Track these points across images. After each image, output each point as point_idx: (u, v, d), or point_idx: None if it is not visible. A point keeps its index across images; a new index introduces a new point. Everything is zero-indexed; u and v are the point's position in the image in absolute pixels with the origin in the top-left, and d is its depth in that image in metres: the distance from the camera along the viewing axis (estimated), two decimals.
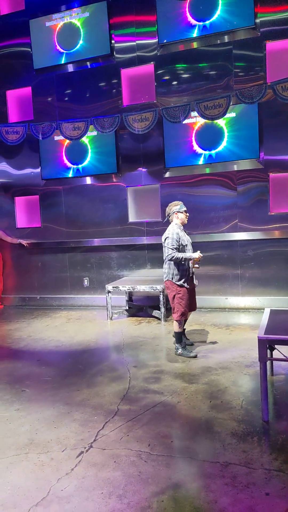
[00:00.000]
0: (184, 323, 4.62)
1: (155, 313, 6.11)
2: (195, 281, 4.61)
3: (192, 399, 3.39)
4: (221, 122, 6.14)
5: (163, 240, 4.53)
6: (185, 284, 4.42)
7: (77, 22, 6.79)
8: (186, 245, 4.50)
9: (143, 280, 6.30)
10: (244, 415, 3.09)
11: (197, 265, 4.35)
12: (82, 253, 7.23)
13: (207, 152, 6.28)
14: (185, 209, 4.62)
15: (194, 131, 6.33)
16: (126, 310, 6.53)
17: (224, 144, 6.18)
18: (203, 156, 6.31)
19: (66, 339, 5.38)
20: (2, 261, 7.63)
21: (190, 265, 4.44)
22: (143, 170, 6.76)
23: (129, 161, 6.80)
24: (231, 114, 6.06)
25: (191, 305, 4.60)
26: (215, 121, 6.03)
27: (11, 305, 7.74)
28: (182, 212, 4.60)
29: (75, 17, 6.80)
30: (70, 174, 7.12)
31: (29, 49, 7.19)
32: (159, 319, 6.01)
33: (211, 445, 2.72)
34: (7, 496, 2.31)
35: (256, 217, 6.22)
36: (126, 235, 6.89)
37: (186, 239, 4.54)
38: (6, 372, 4.28)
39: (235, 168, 6.25)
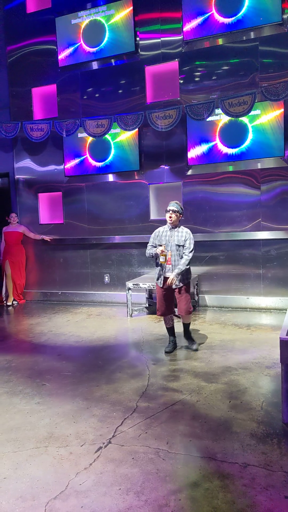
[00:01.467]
0: (168, 323, 4.66)
1: (175, 311, 6.09)
2: (174, 282, 4.33)
3: (211, 399, 3.37)
4: (245, 120, 6.05)
5: None
6: (158, 282, 4.49)
7: (102, 20, 6.81)
8: (163, 245, 4.35)
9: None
10: (264, 416, 3.05)
11: (162, 259, 4.30)
12: (103, 250, 7.28)
13: (230, 150, 6.20)
14: (168, 208, 4.42)
15: (218, 129, 6.26)
16: (146, 307, 6.53)
17: (248, 142, 6.09)
18: (226, 153, 6.24)
19: (86, 334, 5.43)
20: (25, 256, 7.76)
21: (161, 264, 4.40)
22: (166, 167, 6.73)
23: (152, 159, 6.79)
24: (256, 112, 5.96)
25: (168, 307, 4.53)
26: (240, 118, 5.94)
27: (33, 300, 7.87)
28: (166, 212, 4.48)
29: (101, 15, 6.82)
30: (93, 171, 7.16)
31: (55, 47, 7.26)
32: (179, 317, 5.98)
33: (230, 445, 2.69)
34: (26, 488, 2.35)
35: (280, 216, 6.11)
36: (147, 233, 6.87)
37: (166, 239, 4.41)
38: (27, 366, 4.36)
39: (259, 166, 6.15)
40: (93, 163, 7.13)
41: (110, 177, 7.14)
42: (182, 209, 4.53)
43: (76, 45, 7.06)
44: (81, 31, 6.99)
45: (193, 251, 4.42)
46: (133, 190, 6.97)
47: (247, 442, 2.71)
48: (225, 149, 6.23)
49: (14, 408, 3.37)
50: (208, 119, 6.05)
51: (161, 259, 4.31)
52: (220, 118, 6.21)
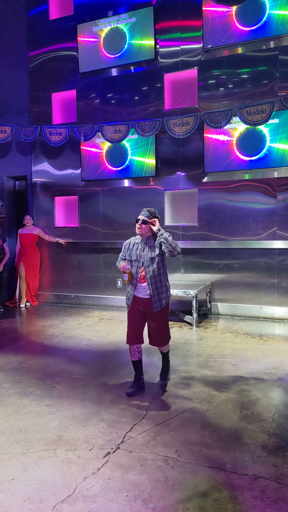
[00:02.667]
0: (135, 355, 3.72)
1: (187, 318, 6.06)
2: (153, 304, 3.57)
3: (222, 408, 3.33)
4: (263, 128, 6.02)
5: None
6: (128, 303, 3.72)
7: (123, 27, 6.89)
8: (135, 260, 3.64)
9: (176, 284, 6.26)
10: (276, 428, 2.99)
11: (125, 278, 3.62)
12: (117, 254, 7.21)
13: (247, 158, 6.17)
14: (137, 217, 3.64)
15: (235, 137, 6.24)
16: None
17: (265, 150, 6.05)
18: (243, 161, 6.21)
19: (97, 338, 5.44)
20: (39, 258, 7.83)
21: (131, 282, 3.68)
22: (182, 174, 6.74)
23: (168, 165, 6.80)
24: (273, 120, 5.93)
25: (139, 334, 3.67)
26: (257, 127, 5.92)
27: (46, 301, 7.92)
28: (136, 221, 3.66)
29: (122, 22, 6.90)
30: (109, 176, 7.20)
31: (76, 53, 7.36)
32: (191, 324, 5.95)
33: (240, 456, 2.65)
34: (34, 490, 2.35)
35: None
36: None
37: (138, 254, 3.64)
38: (38, 367, 4.38)
39: (276, 175, 6.10)
40: (110, 168, 7.17)
41: (126, 182, 7.18)
42: (157, 218, 3.63)
43: (96, 52, 7.14)
44: (102, 38, 7.08)
45: (176, 244, 3.54)
46: (149, 195, 6.98)
47: (257, 454, 2.67)
48: (242, 157, 6.21)
49: (24, 409, 3.38)
50: (225, 127, 6.04)
51: (125, 277, 3.64)
52: (238, 126, 6.19)
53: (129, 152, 6.99)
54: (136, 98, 6.99)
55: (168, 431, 2.99)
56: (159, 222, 3.62)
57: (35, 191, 7.99)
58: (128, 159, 7.00)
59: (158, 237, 3.56)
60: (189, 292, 5.80)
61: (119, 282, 7.29)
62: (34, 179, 7.97)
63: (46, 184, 7.89)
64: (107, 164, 7.19)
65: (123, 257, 3.79)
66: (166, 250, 3.50)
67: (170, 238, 3.50)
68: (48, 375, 4.13)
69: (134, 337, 3.67)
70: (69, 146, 7.37)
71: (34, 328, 6.12)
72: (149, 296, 3.59)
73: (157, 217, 3.64)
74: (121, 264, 3.63)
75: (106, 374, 4.16)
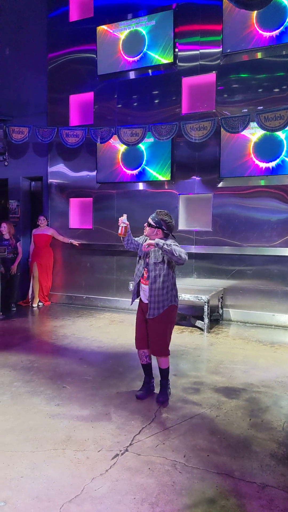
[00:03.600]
0: (142, 358, 3.69)
1: (198, 323, 6.04)
2: (149, 246, 3.39)
3: (231, 415, 3.31)
4: (280, 134, 5.98)
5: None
6: (132, 297, 3.74)
7: (143, 30, 6.93)
8: (142, 256, 3.61)
9: (188, 289, 6.25)
10: (285, 437, 2.96)
11: (119, 231, 3.55)
12: (129, 257, 7.31)
13: (264, 164, 6.14)
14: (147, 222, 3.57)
15: (252, 142, 6.21)
16: None
17: (282, 156, 6.01)
18: (259, 167, 6.17)
19: (108, 340, 5.45)
20: (53, 259, 7.89)
21: (138, 283, 3.62)
22: (197, 178, 6.73)
23: (183, 169, 6.80)
24: None
25: (143, 339, 3.60)
26: (275, 133, 5.88)
27: (57, 302, 7.98)
28: None
29: (141, 26, 6.94)
30: (124, 179, 7.23)
31: (94, 56, 7.42)
32: (202, 329, 5.93)
33: (248, 464, 2.63)
34: (42, 489, 2.37)
35: None
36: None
37: (143, 255, 3.60)
38: (49, 367, 4.41)
39: None
40: (125, 171, 7.21)
41: (141, 186, 7.20)
42: (164, 221, 3.48)
43: (115, 55, 7.20)
44: (121, 41, 7.13)
45: (181, 252, 3.30)
46: (163, 199, 6.99)
47: (266, 462, 2.65)
48: (258, 163, 6.17)
49: (34, 408, 3.41)
50: (242, 132, 6.02)
51: (119, 230, 3.56)
52: (255, 132, 6.16)
53: (145, 155, 7.01)
54: (153, 101, 7.02)
55: (176, 435, 2.98)
56: (163, 231, 3.46)
57: (51, 192, 8.06)
58: (144, 163, 7.03)
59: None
60: (201, 297, 5.78)
61: (131, 285, 7.30)
62: (50, 180, 8.05)
63: (61, 185, 7.96)
64: (122, 167, 7.22)
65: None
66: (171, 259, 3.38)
67: (172, 247, 3.26)
68: (58, 375, 4.16)
69: (139, 341, 3.64)
70: (85, 148, 7.42)
71: (45, 328, 6.17)
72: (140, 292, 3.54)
73: (165, 221, 3.47)
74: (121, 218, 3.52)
75: (116, 376, 4.17)
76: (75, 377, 4.13)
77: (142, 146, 6.95)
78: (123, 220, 3.53)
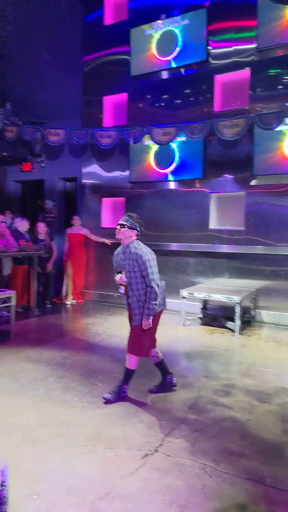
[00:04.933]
0: (155, 361, 3.79)
1: (230, 324, 5.97)
2: (133, 317, 3.50)
3: (263, 419, 3.26)
4: None
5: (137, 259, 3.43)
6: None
7: (176, 30, 6.90)
8: (121, 272, 3.58)
9: (220, 289, 6.18)
10: None
11: (121, 291, 3.57)
12: (160, 257, 7.22)
13: None
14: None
15: (287, 139, 6.06)
16: (199, 318, 6.47)
17: None
18: None
19: None
20: (86, 258, 8.03)
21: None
22: (229, 177, 6.64)
23: (216, 167, 6.73)
24: None
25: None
26: None
27: (90, 300, 8.11)
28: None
29: (174, 25, 6.92)
30: (156, 178, 7.25)
31: (128, 57, 7.47)
32: (233, 331, 5.86)
33: (281, 471, 2.58)
34: (73, 483, 2.43)
35: None
36: (205, 242, 6.83)
37: (119, 263, 3.61)
38: (81, 364, 4.50)
39: None
40: (157, 170, 7.22)
41: (172, 185, 7.19)
42: (136, 223, 3.51)
43: (148, 55, 7.21)
44: (154, 41, 7.13)
45: (154, 279, 3.35)
46: (194, 198, 6.95)
47: None
48: None
49: (66, 404, 3.49)
50: (277, 129, 5.88)
51: (120, 290, 3.57)
52: None
53: (177, 154, 6.99)
54: (186, 100, 6.98)
55: (206, 438, 2.97)
56: (137, 233, 3.49)
57: (84, 192, 8.20)
58: (176, 161, 7.01)
59: (131, 249, 3.43)
60: (232, 298, 5.70)
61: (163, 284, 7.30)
62: (84, 181, 8.18)
63: (94, 186, 8.07)
64: (154, 166, 7.24)
65: (115, 269, 3.65)
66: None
67: (152, 306, 3.36)
68: (90, 372, 4.23)
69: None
70: (118, 148, 7.49)
71: (78, 325, 6.29)
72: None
73: (139, 223, 3.53)
74: (117, 277, 3.54)
75: (146, 376, 4.19)
76: (106, 374, 4.19)
77: (174, 145, 6.94)
78: (123, 278, 3.50)
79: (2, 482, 1.50)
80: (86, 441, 2.90)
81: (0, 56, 9.26)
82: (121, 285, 3.53)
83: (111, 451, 2.79)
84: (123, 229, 3.48)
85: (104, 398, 3.51)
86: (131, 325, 3.59)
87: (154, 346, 3.67)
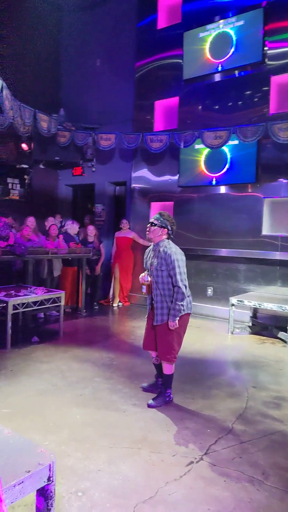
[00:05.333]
0: (156, 362, 3.77)
1: (282, 335, 5.73)
2: (155, 317, 3.49)
3: None
4: None
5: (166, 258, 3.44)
6: (148, 307, 3.76)
7: (231, 31, 6.81)
8: (147, 268, 3.65)
9: (271, 298, 5.97)
10: None
11: (143, 290, 3.60)
12: (208, 262, 7.21)
13: None
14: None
15: None
16: (249, 326, 6.28)
17: None
18: None
19: (184, 345, 5.39)
20: (133, 261, 8.09)
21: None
22: (284, 181, 6.41)
23: (270, 171, 6.53)
24: None
25: (150, 342, 3.63)
26: None
27: (136, 303, 8.15)
28: None
29: (229, 26, 6.83)
30: (206, 183, 7.16)
31: (181, 61, 7.47)
32: (285, 341, 5.62)
33: None
34: (117, 485, 2.42)
35: None
36: (257, 248, 6.63)
37: (149, 261, 3.63)
38: (127, 366, 4.52)
39: None
40: (207, 174, 7.13)
41: (223, 189, 7.06)
42: (167, 221, 3.50)
43: (201, 58, 7.17)
44: (208, 44, 7.08)
45: (182, 279, 3.35)
46: (246, 203, 6.78)
47: None
48: None
49: (113, 405, 3.51)
50: None
51: (143, 289, 3.57)
52: None
53: (228, 158, 6.87)
54: (239, 103, 6.85)
55: (255, 450, 2.85)
56: (167, 232, 3.48)
57: (133, 196, 8.28)
58: (227, 166, 6.89)
59: (161, 248, 3.43)
60: (285, 308, 5.48)
61: (209, 290, 7.20)
62: (133, 185, 8.27)
63: (143, 190, 8.13)
64: (205, 170, 7.16)
65: (145, 267, 3.67)
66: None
67: (177, 307, 3.35)
68: (135, 375, 4.24)
69: (145, 343, 3.69)
70: (169, 152, 7.50)
71: (124, 328, 6.33)
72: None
73: (170, 221, 3.51)
74: (141, 276, 3.57)
75: (192, 382, 4.13)
76: (151, 378, 4.16)
77: (225, 149, 6.83)
78: (145, 278, 3.54)
79: (49, 477, 1.52)
80: (132, 444, 2.89)
81: (55, 62, 9.65)
82: (143, 284, 3.54)
83: (156, 455, 2.76)
84: (153, 228, 3.49)
85: (148, 405, 3.50)
86: (148, 324, 3.62)
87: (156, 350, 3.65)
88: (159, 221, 3.48)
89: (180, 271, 3.36)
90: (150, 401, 3.53)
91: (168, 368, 3.56)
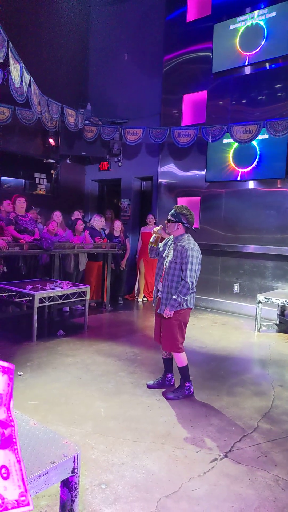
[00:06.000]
0: (163, 352, 3.85)
1: None
2: (161, 306, 3.56)
3: None
4: None
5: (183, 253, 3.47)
6: (153, 301, 3.85)
7: (262, 23, 6.64)
8: (163, 256, 3.68)
9: None
10: None
11: (151, 239, 3.68)
12: (235, 258, 7.11)
13: None
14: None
15: None
16: (276, 324, 6.16)
17: None
18: None
19: (210, 342, 5.38)
20: None
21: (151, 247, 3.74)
22: None
23: None
24: None
25: (157, 334, 3.74)
26: None
27: None
28: None
29: (261, 18, 6.66)
30: (234, 178, 7.05)
31: (210, 54, 7.35)
32: None
33: None
34: (141, 478, 2.43)
35: None
36: (286, 245, 6.48)
37: (167, 251, 3.65)
38: (151, 362, 4.52)
39: None
40: (236, 169, 7.01)
41: (251, 184, 6.93)
42: (181, 215, 3.48)
43: (231, 51, 7.04)
44: (238, 36, 6.94)
45: (191, 276, 3.34)
46: (275, 198, 6.63)
47: None
48: None
49: (136, 399, 3.52)
50: None
51: (152, 239, 3.68)
52: None
53: (258, 153, 6.73)
54: (270, 96, 6.69)
55: (280, 450, 2.80)
56: (183, 225, 3.49)
57: (159, 191, 8.25)
58: (256, 160, 6.75)
59: (180, 241, 3.48)
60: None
61: (236, 287, 7.10)
62: (160, 180, 8.23)
63: (170, 185, 8.08)
64: (233, 165, 7.04)
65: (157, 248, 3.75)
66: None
67: (179, 299, 3.38)
68: (159, 370, 4.22)
69: (155, 333, 3.77)
70: (196, 147, 7.41)
71: (148, 323, 6.32)
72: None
73: (183, 214, 3.49)
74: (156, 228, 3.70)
75: (217, 379, 4.09)
76: (176, 375, 4.14)
77: (255, 143, 6.69)
78: (158, 230, 3.69)
79: (74, 468, 1.53)
80: (155, 438, 2.89)
81: (82, 57, 9.69)
82: (154, 233, 3.67)
83: (179, 451, 2.74)
84: (169, 224, 3.56)
85: (166, 398, 3.53)
86: (156, 316, 3.72)
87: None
88: (173, 216, 3.52)
89: (192, 267, 3.38)
90: (169, 394, 3.57)
91: (179, 360, 3.59)
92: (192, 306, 3.56)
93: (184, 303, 3.45)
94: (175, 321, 3.49)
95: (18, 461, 1.09)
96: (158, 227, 3.72)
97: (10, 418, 1.08)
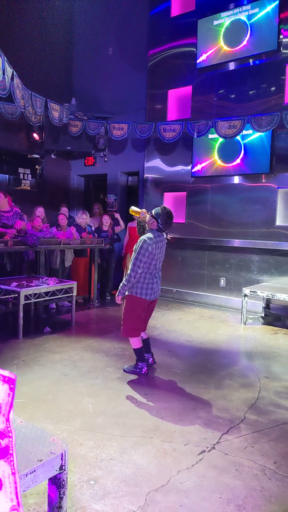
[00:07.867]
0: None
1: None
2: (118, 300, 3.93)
3: None
4: None
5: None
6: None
7: (245, 19, 6.66)
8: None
9: (285, 289, 5.91)
10: None
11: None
12: (222, 253, 7.16)
13: None
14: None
15: None
16: (261, 317, 6.24)
17: None
18: None
19: (197, 335, 5.42)
20: None
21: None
22: None
23: (284, 162, 6.42)
24: None
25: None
26: None
27: None
28: None
29: (244, 14, 6.68)
30: (220, 173, 7.08)
31: (194, 49, 7.35)
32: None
33: None
34: (129, 473, 2.44)
35: None
36: (271, 239, 6.55)
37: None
38: None
39: None
40: (221, 164, 7.05)
41: (236, 179, 6.98)
42: (162, 217, 3.76)
43: (215, 46, 7.04)
44: (222, 32, 6.95)
45: (135, 265, 3.65)
46: (260, 193, 6.69)
47: None
48: None
49: (124, 394, 3.53)
50: None
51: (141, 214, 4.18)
52: None
53: (242, 148, 6.77)
54: (254, 92, 6.73)
55: (267, 440, 2.85)
56: (157, 224, 3.80)
57: (146, 186, 8.24)
58: (241, 156, 6.79)
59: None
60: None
61: (222, 281, 7.16)
62: (146, 175, 8.22)
63: (156, 180, 8.08)
64: (218, 160, 7.07)
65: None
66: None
67: (120, 289, 3.80)
68: (148, 365, 4.24)
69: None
70: (182, 142, 7.42)
71: None
72: None
73: (162, 216, 3.79)
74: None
75: (205, 372, 4.13)
76: (164, 368, 4.18)
77: (239, 139, 6.72)
78: (142, 212, 4.15)
79: (62, 465, 1.53)
80: (143, 433, 2.91)
81: (66, 51, 9.58)
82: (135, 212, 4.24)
83: (168, 444, 2.77)
84: (148, 214, 3.94)
85: (123, 369, 4.01)
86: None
87: (143, 330, 4.06)
88: (155, 212, 3.80)
89: (138, 257, 3.66)
90: (125, 366, 4.06)
91: (132, 343, 3.97)
92: (146, 298, 3.81)
93: (134, 291, 3.77)
94: (126, 306, 3.84)
95: (13, 473, 1.07)
96: (144, 210, 4.17)
97: (9, 428, 1.06)
